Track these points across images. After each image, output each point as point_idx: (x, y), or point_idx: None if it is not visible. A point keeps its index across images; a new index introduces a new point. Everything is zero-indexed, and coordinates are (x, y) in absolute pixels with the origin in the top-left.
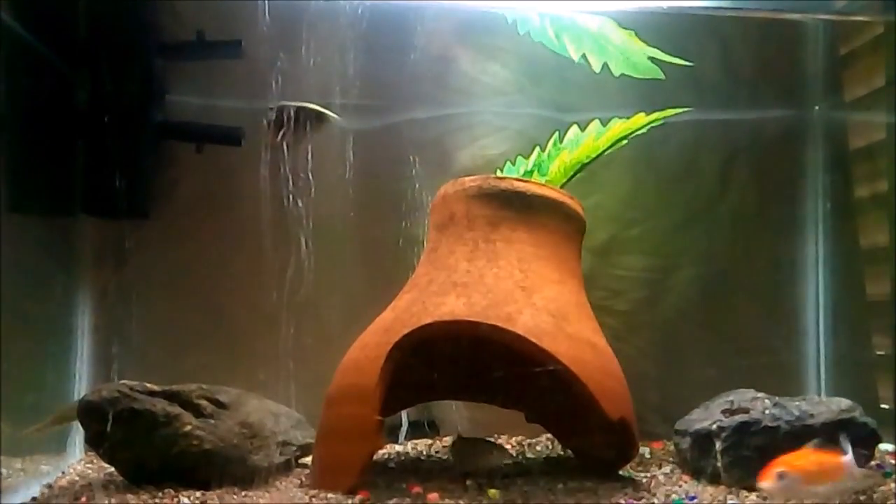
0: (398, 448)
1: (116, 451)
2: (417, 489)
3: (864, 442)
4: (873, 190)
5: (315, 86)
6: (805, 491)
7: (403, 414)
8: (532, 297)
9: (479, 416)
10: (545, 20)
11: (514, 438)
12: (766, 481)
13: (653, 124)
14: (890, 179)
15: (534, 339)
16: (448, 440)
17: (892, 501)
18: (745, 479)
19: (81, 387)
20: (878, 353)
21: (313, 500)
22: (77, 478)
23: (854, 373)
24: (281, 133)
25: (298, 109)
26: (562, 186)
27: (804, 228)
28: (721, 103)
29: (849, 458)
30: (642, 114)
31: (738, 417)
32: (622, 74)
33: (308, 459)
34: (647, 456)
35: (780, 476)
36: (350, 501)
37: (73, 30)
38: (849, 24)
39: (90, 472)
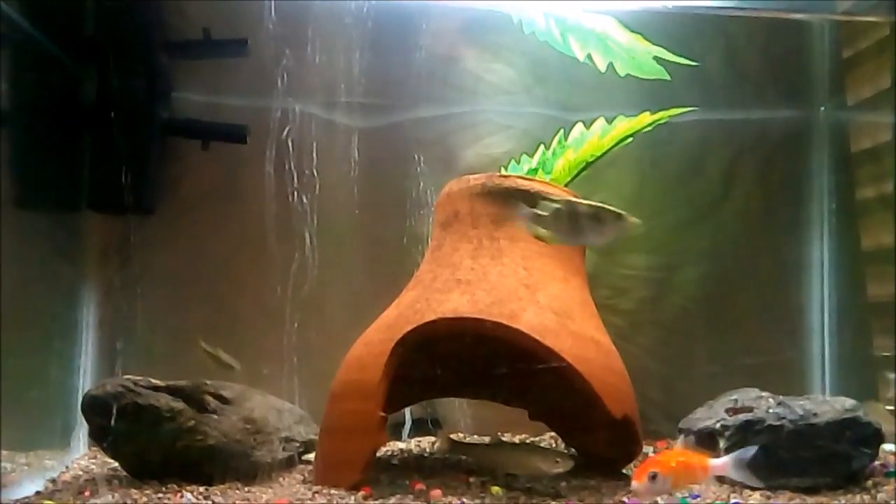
0: (401, 445)
1: (120, 446)
2: (420, 486)
3: (868, 442)
4: (875, 191)
5: (320, 84)
6: (671, 491)
7: (407, 411)
8: (536, 294)
9: (482, 414)
10: (550, 20)
11: (517, 437)
12: (638, 482)
13: (657, 123)
14: (894, 180)
15: (537, 337)
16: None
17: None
18: (748, 477)
19: (86, 381)
20: (885, 354)
21: (316, 495)
22: (81, 472)
23: (858, 373)
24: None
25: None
26: (566, 185)
27: (809, 228)
28: (726, 103)
29: (720, 461)
30: (647, 113)
31: (742, 416)
32: (627, 74)
33: (311, 455)
34: (651, 454)
35: (653, 477)
36: (353, 497)
37: (79, 27)
38: (851, 27)
39: (94, 466)
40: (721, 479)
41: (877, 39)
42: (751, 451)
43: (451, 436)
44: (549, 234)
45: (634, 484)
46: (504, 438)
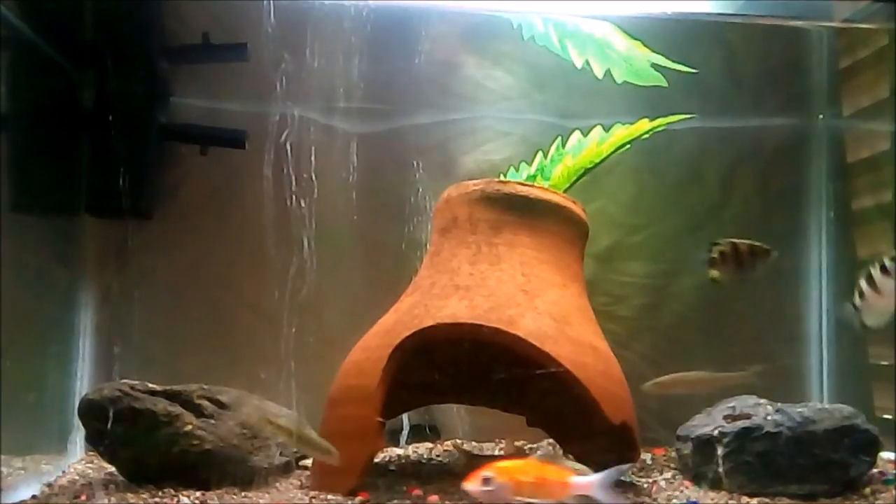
0: (399, 451)
1: (117, 450)
2: (417, 492)
3: (866, 449)
4: (871, 201)
5: (320, 89)
6: (514, 500)
7: (404, 417)
8: (534, 300)
9: (480, 421)
10: (549, 25)
11: (515, 443)
12: (470, 483)
13: (655, 130)
14: (893, 190)
15: (536, 342)
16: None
17: None
18: (746, 484)
19: (83, 386)
20: (883, 363)
21: (313, 500)
22: (77, 477)
23: (856, 380)
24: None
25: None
26: (565, 191)
27: (807, 236)
28: (725, 111)
29: (584, 480)
30: (645, 120)
31: (740, 423)
32: (625, 81)
33: (308, 461)
34: (649, 462)
35: (485, 481)
36: (350, 503)
37: (78, 31)
38: (849, 38)
39: (90, 471)
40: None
41: (875, 49)
42: (616, 471)
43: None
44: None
45: (465, 484)
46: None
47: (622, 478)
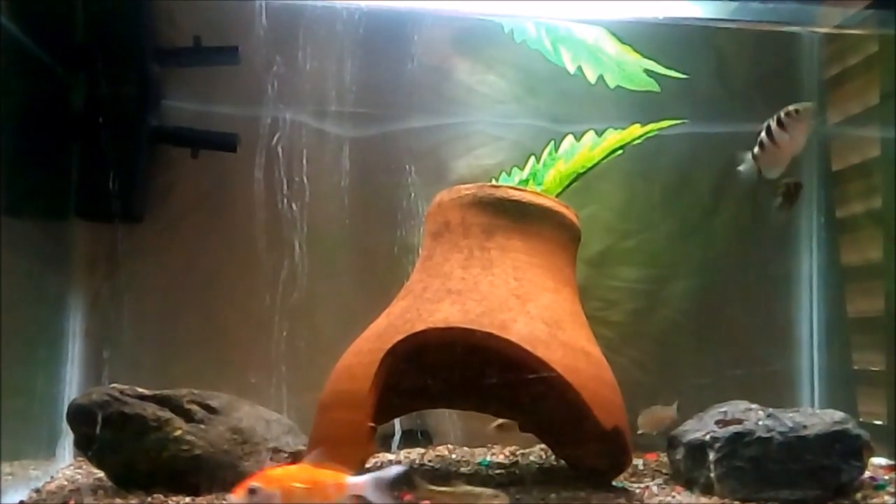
0: (390, 456)
1: (105, 455)
2: (409, 497)
3: (857, 454)
4: (855, 209)
5: (311, 93)
6: None
7: (396, 423)
8: (526, 305)
9: (472, 426)
10: (541, 30)
11: (507, 448)
12: (236, 495)
13: (647, 135)
14: (886, 196)
15: (528, 347)
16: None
17: None
18: (738, 490)
19: (72, 390)
20: (873, 369)
21: None
22: (65, 482)
23: (847, 386)
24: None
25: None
26: (557, 196)
27: (798, 242)
28: (716, 116)
29: (358, 480)
30: (637, 125)
31: (732, 428)
32: (618, 86)
33: None
34: (641, 467)
35: (252, 491)
36: None
37: (69, 34)
38: (836, 46)
39: (79, 476)
40: (710, 491)
41: (865, 56)
42: (392, 471)
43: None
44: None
45: (231, 497)
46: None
47: (615, 483)
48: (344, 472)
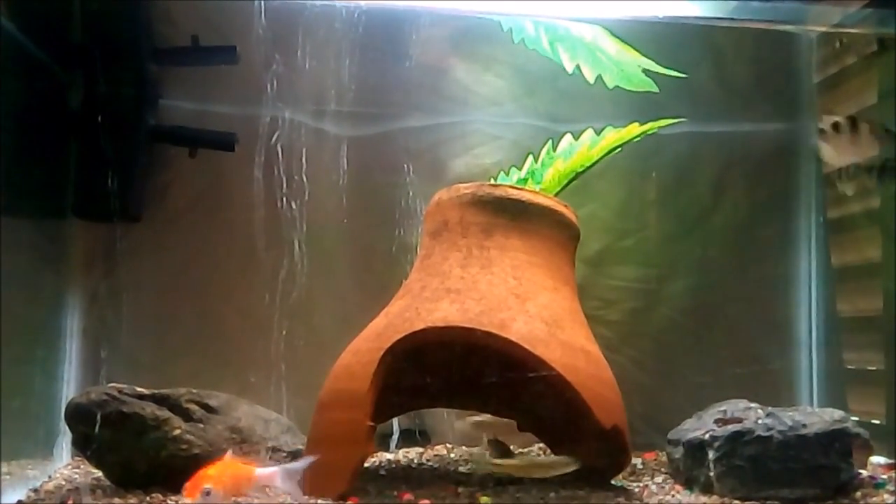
0: (389, 456)
1: (104, 455)
2: (408, 496)
3: (848, 454)
4: (845, 210)
5: (310, 92)
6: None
7: (395, 421)
8: (525, 304)
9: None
10: (540, 29)
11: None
12: (192, 498)
13: (646, 134)
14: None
15: (527, 346)
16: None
17: None
18: (737, 488)
19: (70, 390)
20: (871, 368)
21: None
22: (63, 482)
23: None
24: None
25: None
26: (556, 195)
27: (797, 241)
28: (715, 115)
29: (267, 471)
30: (636, 124)
31: (731, 427)
32: (616, 86)
33: None
34: (640, 466)
35: (206, 493)
36: None
37: (67, 33)
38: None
39: (77, 476)
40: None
41: (862, 56)
42: (302, 463)
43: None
44: None
45: (189, 501)
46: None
47: (614, 482)
48: (252, 465)
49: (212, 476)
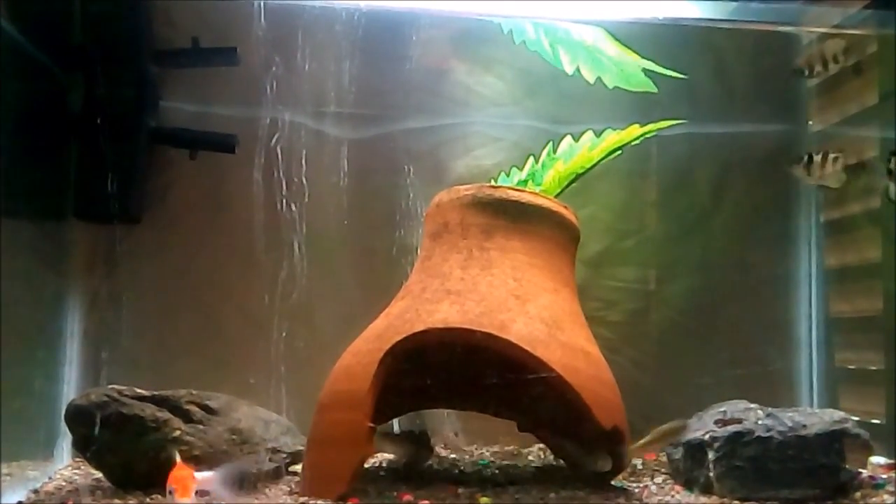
0: (388, 457)
1: (104, 456)
2: (408, 497)
3: (841, 453)
4: (839, 212)
5: (310, 94)
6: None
7: (395, 422)
8: (525, 305)
9: (471, 426)
10: (540, 31)
11: (506, 448)
12: (189, 499)
13: (646, 136)
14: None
15: (527, 347)
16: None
17: None
18: (737, 489)
19: (70, 391)
20: (872, 368)
21: None
22: (64, 483)
23: (848, 385)
24: None
25: None
26: (556, 196)
27: (797, 241)
28: (715, 117)
29: (206, 475)
30: (636, 125)
31: (731, 428)
32: (616, 87)
33: (298, 467)
34: (640, 466)
35: (170, 492)
36: None
37: (67, 35)
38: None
39: (77, 477)
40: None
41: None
42: (239, 468)
43: None
44: None
45: (185, 500)
46: None
47: (614, 483)
48: (192, 469)
49: (181, 477)
